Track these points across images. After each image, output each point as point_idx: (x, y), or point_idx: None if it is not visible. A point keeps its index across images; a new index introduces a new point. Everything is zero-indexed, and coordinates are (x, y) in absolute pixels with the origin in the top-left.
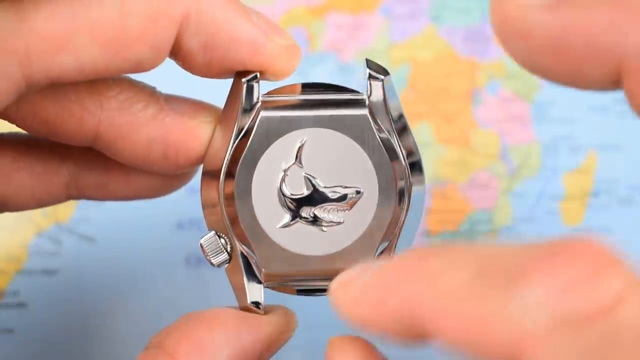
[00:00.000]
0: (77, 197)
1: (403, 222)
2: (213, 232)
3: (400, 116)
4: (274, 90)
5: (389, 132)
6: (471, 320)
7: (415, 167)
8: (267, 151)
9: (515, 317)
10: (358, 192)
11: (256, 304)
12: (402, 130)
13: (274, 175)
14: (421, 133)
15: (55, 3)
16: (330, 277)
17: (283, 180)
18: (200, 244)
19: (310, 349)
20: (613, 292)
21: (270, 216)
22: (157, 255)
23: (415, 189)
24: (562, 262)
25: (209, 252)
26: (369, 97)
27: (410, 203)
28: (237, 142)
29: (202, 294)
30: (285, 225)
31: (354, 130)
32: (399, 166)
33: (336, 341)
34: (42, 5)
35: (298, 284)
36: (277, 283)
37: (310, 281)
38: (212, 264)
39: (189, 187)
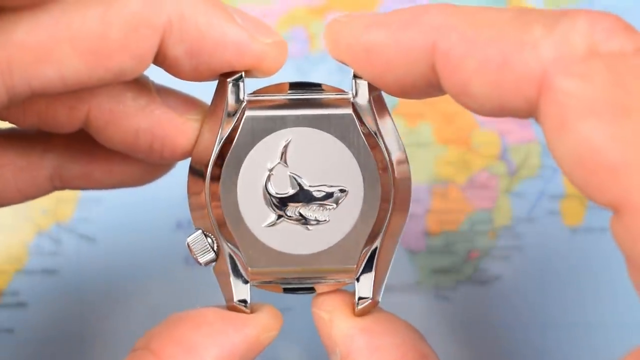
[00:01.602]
0: (61, 188)
1: (389, 221)
2: (200, 231)
3: (386, 115)
4: (260, 89)
5: (374, 131)
6: (507, 45)
7: (401, 166)
8: (252, 151)
9: (554, 43)
10: (343, 191)
11: (243, 302)
12: (388, 129)
13: (259, 174)
14: (421, 133)
15: (36, 15)
16: (316, 276)
17: (268, 179)
18: (187, 243)
19: (309, 346)
20: None
21: (256, 215)
22: (157, 255)
23: (400, 187)
24: (600, 15)
25: (195, 252)
26: (354, 97)
27: (396, 202)
28: (222, 142)
29: (202, 294)
30: (271, 224)
31: (339, 130)
32: (384, 165)
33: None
34: (23, 17)
35: (284, 283)
36: (263, 282)
37: (296, 280)
38: (199, 263)
39: None
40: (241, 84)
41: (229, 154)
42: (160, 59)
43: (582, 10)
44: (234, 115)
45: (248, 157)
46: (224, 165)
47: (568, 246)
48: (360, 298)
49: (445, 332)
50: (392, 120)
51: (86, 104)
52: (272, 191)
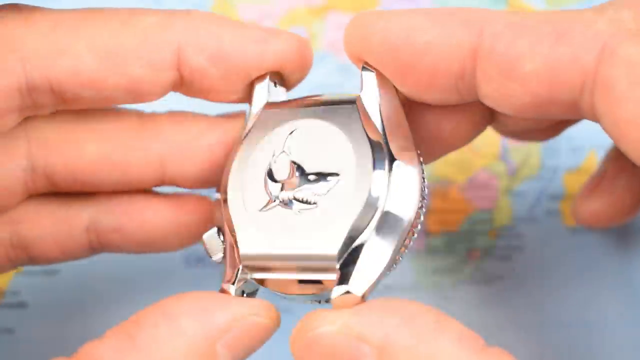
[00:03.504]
0: (99, 246)
1: (381, 217)
2: (216, 228)
3: (394, 110)
4: (289, 100)
5: (377, 123)
6: (560, 24)
7: (405, 163)
8: (261, 143)
9: (608, 21)
10: (334, 177)
11: (231, 286)
12: (397, 124)
13: (264, 163)
14: None
15: (59, 16)
16: (300, 263)
17: (270, 165)
18: (203, 239)
19: None
20: None
21: (253, 201)
22: (157, 255)
23: (401, 188)
24: None
25: (208, 247)
26: (361, 90)
27: (393, 196)
28: (242, 140)
29: None
30: (264, 208)
31: (342, 121)
32: (381, 157)
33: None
34: (47, 16)
35: (273, 274)
36: (259, 272)
37: (283, 268)
38: (210, 257)
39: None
40: (264, 87)
41: (240, 149)
42: (187, 74)
43: (622, 4)
44: (254, 116)
45: (257, 149)
46: (235, 158)
47: (568, 246)
48: (339, 288)
49: None
50: (405, 118)
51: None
52: (271, 177)
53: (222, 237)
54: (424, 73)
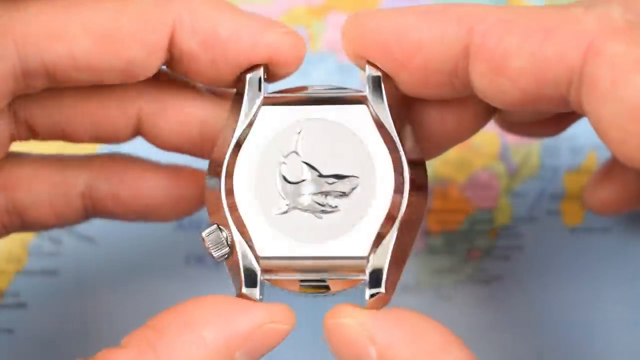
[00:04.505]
0: (93, 211)
1: (404, 214)
2: (215, 225)
3: (401, 110)
4: (279, 90)
5: (387, 123)
6: (549, 20)
7: (416, 160)
8: (266, 142)
9: (596, 18)
10: (355, 179)
11: (252, 291)
12: (403, 123)
13: (273, 164)
14: None
15: None
16: (327, 267)
17: (282, 168)
18: (202, 237)
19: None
20: None
21: (269, 204)
22: (157, 255)
23: (416, 181)
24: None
25: (210, 245)
26: (367, 90)
27: (410, 195)
28: (238, 137)
29: (202, 293)
30: (283, 212)
31: (353, 121)
32: (397, 158)
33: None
34: None
35: (297, 274)
36: (275, 274)
37: (308, 272)
38: (213, 257)
39: None
40: (259, 79)
41: (243, 148)
42: (177, 55)
43: (612, 1)
44: (251, 110)
45: (263, 148)
46: (239, 157)
47: (568, 246)
48: (371, 290)
49: None
50: (407, 117)
51: (136, 101)
52: (285, 180)
53: (224, 233)
54: (418, 70)
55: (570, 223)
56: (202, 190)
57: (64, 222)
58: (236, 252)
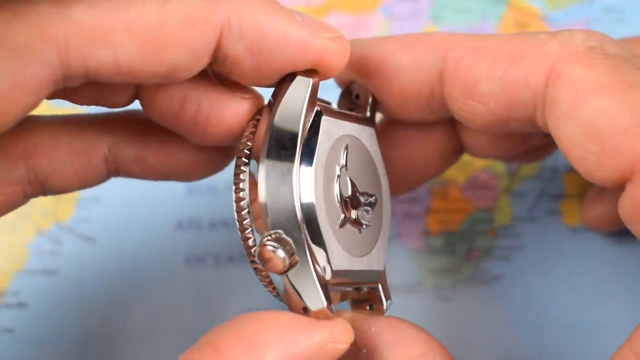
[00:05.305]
0: (116, 173)
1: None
2: (278, 233)
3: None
4: (337, 109)
5: (379, 153)
6: (515, 47)
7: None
8: (327, 155)
9: (558, 44)
10: (376, 199)
11: (329, 305)
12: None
13: (331, 176)
14: None
15: None
16: (364, 279)
17: (337, 181)
18: (262, 249)
19: None
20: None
21: (334, 216)
22: (157, 255)
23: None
24: (591, 31)
25: (271, 257)
26: (369, 114)
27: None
28: (303, 141)
29: (202, 293)
30: (341, 225)
31: (371, 145)
32: (386, 178)
33: None
34: None
35: (347, 288)
36: (335, 286)
37: (355, 284)
38: (274, 271)
39: (188, 187)
40: (310, 85)
41: (315, 154)
42: (221, 59)
43: (576, 29)
44: (310, 116)
45: (326, 158)
46: (314, 162)
47: (568, 246)
48: (385, 299)
49: (445, 332)
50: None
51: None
52: (341, 193)
53: (288, 245)
54: (398, 94)
55: (570, 223)
56: (229, 150)
57: (87, 185)
58: (303, 265)
